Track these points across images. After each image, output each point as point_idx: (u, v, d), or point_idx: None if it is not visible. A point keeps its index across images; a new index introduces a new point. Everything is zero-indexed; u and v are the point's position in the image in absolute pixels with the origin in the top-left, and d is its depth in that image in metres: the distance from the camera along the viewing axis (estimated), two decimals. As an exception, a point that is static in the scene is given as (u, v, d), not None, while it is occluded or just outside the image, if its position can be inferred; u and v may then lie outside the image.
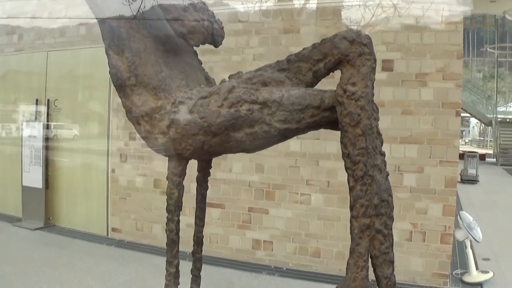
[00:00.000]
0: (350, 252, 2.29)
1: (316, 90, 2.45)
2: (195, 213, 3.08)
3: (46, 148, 7.17)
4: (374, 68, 2.29)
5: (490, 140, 35.66)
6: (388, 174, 2.37)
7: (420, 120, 5.08)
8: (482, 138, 47.01)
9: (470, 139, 50.07)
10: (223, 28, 2.61)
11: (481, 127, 46.53)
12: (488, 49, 30.37)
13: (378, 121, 2.33)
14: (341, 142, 2.29)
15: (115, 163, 6.62)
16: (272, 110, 2.39)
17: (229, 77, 2.74)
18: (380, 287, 2.34)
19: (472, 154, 16.42)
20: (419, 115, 5.08)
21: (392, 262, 2.32)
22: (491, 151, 29.40)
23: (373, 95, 2.28)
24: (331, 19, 5.43)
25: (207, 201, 5.89)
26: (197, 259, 3.16)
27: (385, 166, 2.36)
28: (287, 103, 2.38)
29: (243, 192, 5.75)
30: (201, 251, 3.15)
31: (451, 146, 5.03)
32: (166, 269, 2.72)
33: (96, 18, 2.61)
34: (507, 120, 30.06)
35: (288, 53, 2.41)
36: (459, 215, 5.59)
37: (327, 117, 2.40)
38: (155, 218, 6.30)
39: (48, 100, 7.27)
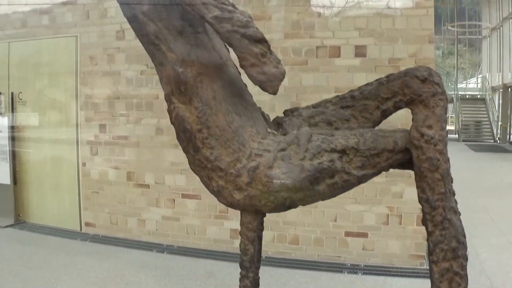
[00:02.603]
0: None
1: (388, 131, 2.39)
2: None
3: (13, 142, 6.98)
4: (447, 108, 2.26)
5: (451, 116, 36.42)
6: (460, 214, 2.35)
7: (394, 105, 5.11)
8: (443, 115, 47.93)
9: (431, 115, 50.99)
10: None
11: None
12: (449, 28, 30.84)
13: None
14: (418, 187, 2.27)
15: (86, 156, 6.47)
16: (350, 157, 2.31)
17: (284, 113, 2.62)
18: None
19: (436, 132, 16.70)
20: (393, 100, 5.11)
21: None
22: (452, 127, 30.07)
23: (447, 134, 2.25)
24: (302, 5, 5.39)
25: (183, 192, 5.89)
26: None
27: (457, 204, 2.35)
28: (364, 148, 2.30)
29: (219, 182, 5.70)
30: None
31: (425, 130, 5.08)
32: None
33: (154, 61, 2.33)
34: (467, 96, 30.77)
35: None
36: (433, 197, 5.68)
37: (399, 159, 2.37)
38: (130, 211, 6.22)
39: (12, 93, 7.03)
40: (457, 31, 31.45)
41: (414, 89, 2.24)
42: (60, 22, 6.63)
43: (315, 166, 2.23)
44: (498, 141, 24.58)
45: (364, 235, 5.35)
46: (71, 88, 6.56)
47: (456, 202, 2.34)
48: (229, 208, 5.69)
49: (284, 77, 2.22)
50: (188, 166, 2.44)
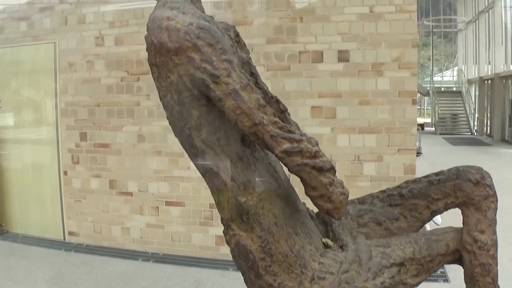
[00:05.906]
0: None
1: (439, 233, 2.38)
2: None
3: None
4: (497, 209, 2.27)
5: (427, 109, 36.77)
6: None
7: (378, 109, 5.13)
8: (419, 107, 48.57)
9: (407, 108, 51.39)
10: None
11: (418, 96, 47.94)
12: (425, 22, 31.10)
13: None
14: None
15: (67, 165, 6.37)
16: (407, 267, 2.27)
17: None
18: None
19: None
20: (377, 104, 5.13)
21: None
22: (429, 120, 30.39)
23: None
24: (284, 10, 5.36)
25: (167, 200, 5.84)
26: None
27: None
28: (419, 257, 2.28)
29: (203, 189, 5.64)
30: None
31: (408, 134, 5.12)
32: None
33: (210, 185, 2.17)
34: (443, 89, 31.13)
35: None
36: (418, 199, 5.72)
37: (449, 260, 2.37)
38: (113, 219, 6.14)
39: (-10, 101, 6.90)
40: (432, 25, 31.73)
41: (467, 192, 2.26)
42: (38, 28, 6.51)
43: (379, 287, 2.19)
44: (475, 134, 24.89)
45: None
46: (50, 95, 6.45)
47: None
48: (214, 215, 5.67)
49: (347, 200, 2.17)
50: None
